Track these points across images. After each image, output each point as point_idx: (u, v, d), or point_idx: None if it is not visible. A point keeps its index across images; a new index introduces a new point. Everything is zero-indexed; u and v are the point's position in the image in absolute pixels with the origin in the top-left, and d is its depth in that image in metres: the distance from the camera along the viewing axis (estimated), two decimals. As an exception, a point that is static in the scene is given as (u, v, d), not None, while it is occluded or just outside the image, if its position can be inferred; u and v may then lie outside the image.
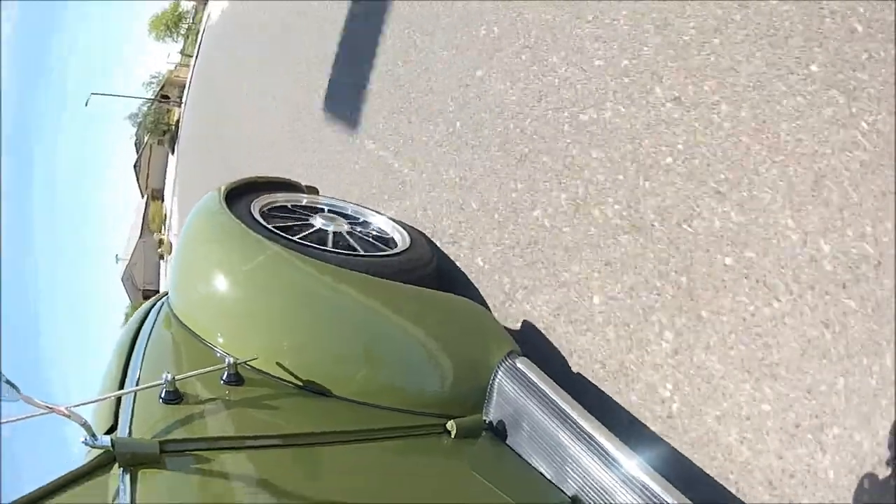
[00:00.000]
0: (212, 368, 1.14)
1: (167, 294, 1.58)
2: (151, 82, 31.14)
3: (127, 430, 0.99)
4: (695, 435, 1.26)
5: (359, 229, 1.77)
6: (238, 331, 1.30)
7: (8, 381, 0.78)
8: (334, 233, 1.66)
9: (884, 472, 1.00)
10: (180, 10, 31.48)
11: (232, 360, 1.15)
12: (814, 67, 1.18)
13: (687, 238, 1.33)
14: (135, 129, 31.19)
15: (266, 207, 1.69)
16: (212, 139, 9.63)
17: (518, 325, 1.65)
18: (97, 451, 0.90)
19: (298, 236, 1.54)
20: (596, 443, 1.12)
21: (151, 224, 27.40)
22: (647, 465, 1.07)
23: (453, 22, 2.27)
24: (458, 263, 1.85)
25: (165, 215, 24.61)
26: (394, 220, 1.89)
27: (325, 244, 1.57)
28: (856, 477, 1.02)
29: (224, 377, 1.15)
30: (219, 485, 0.91)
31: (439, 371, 1.32)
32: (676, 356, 1.31)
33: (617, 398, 1.42)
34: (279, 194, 1.81)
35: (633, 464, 1.07)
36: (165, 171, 26.96)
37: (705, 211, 1.30)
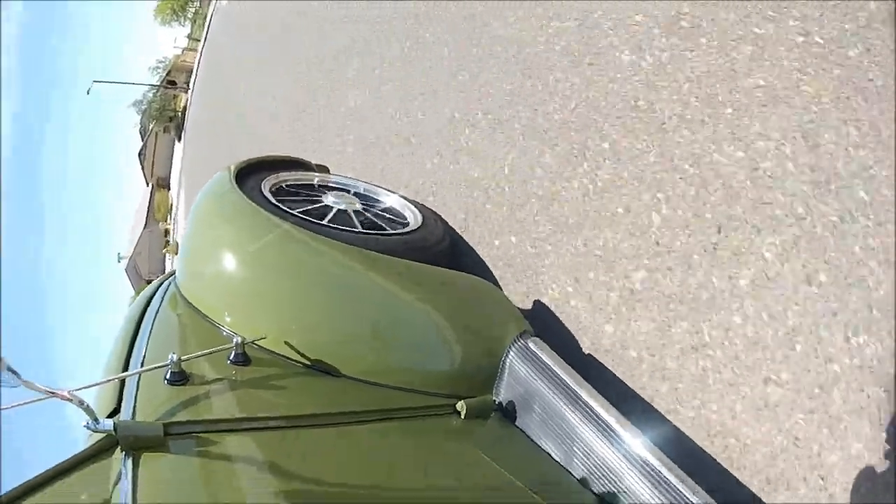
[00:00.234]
0: (218, 348, 1.15)
1: (173, 274, 1.60)
2: (157, 67, 31.32)
3: (130, 413, 1.00)
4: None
5: (371, 207, 1.79)
6: (247, 310, 1.31)
7: (9, 368, 0.78)
8: (346, 211, 1.68)
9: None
10: (188, -6, 31.64)
11: (239, 339, 1.16)
12: None
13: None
14: (139, 117, 31.52)
15: (276, 186, 1.71)
16: (219, 125, 9.71)
17: (530, 305, 1.67)
18: (100, 436, 0.90)
19: (309, 214, 1.57)
20: (607, 426, 1.14)
21: (157, 213, 27.67)
22: (658, 449, 1.08)
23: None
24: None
25: (171, 205, 24.88)
26: (406, 199, 1.91)
27: (336, 222, 1.60)
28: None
29: (231, 357, 1.16)
30: (224, 467, 0.92)
31: (449, 350, 1.33)
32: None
33: (630, 382, 1.44)
34: (290, 173, 1.83)
35: (644, 447, 1.08)
36: (171, 159, 27.23)
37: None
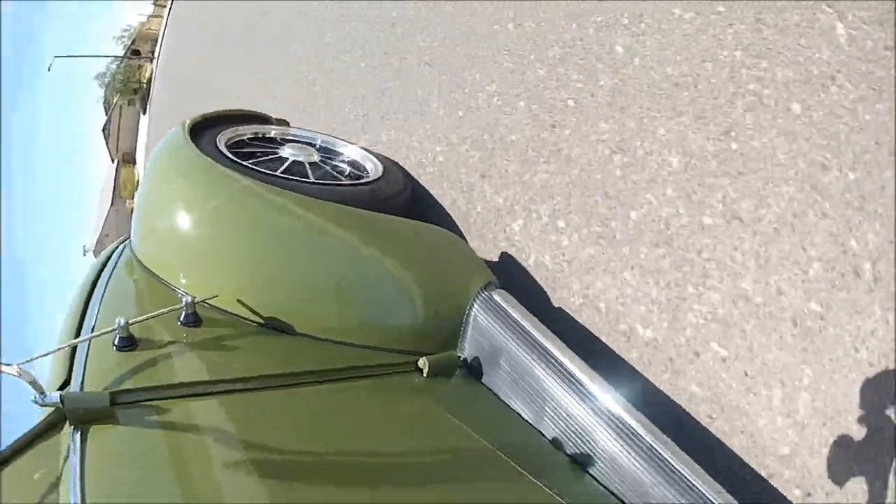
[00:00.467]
0: (168, 309, 1.12)
1: (128, 238, 1.56)
2: (122, 36, 30.55)
3: (79, 384, 0.97)
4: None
5: (330, 159, 1.78)
6: (201, 268, 1.28)
7: None
8: (304, 163, 1.67)
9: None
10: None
11: (189, 299, 1.13)
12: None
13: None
14: (103, 91, 30.83)
15: (233, 140, 1.69)
16: (189, 92, 9.49)
17: (497, 257, 1.64)
18: (50, 410, 0.88)
19: (266, 167, 1.55)
20: (578, 382, 1.12)
21: (123, 191, 27.19)
22: (631, 406, 1.06)
23: None
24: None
25: (138, 181, 24.45)
26: (366, 150, 1.89)
27: (293, 174, 1.58)
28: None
29: (181, 318, 1.13)
30: (176, 435, 0.89)
31: (410, 304, 1.30)
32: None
33: (602, 336, 1.42)
34: (247, 127, 1.81)
35: (617, 404, 1.07)
36: (137, 133, 26.69)
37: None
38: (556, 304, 1.50)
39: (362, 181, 1.63)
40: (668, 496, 0.98)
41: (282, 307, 1.24)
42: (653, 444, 1.01)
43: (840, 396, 1.04)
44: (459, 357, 1.29)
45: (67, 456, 0.81)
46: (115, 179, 27.28)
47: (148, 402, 0.92)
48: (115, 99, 28.15)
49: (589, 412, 1.09)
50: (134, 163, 27.45)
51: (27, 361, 0.88)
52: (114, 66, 29.40)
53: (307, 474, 0.88)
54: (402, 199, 1.60)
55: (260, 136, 1.84)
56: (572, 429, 1.11)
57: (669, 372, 1.30)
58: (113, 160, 28.82)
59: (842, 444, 1.04)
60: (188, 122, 1.60)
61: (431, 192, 1.91)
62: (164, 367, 1.03)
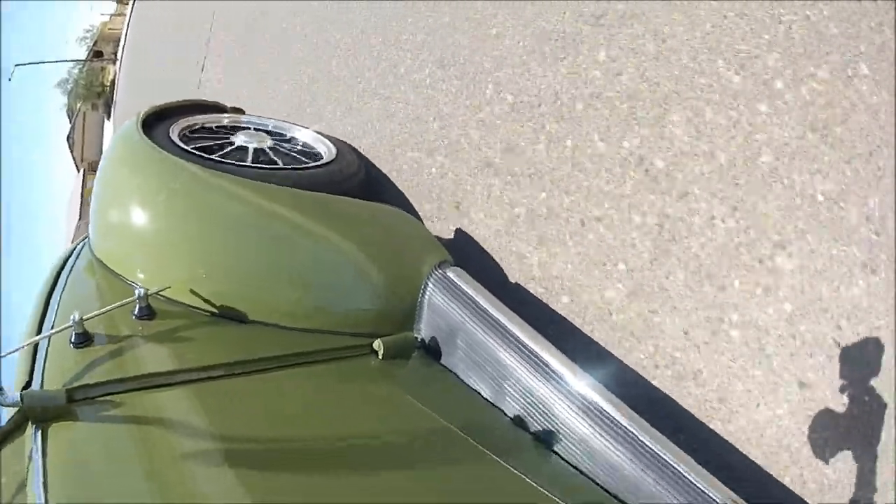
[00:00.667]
0: (121, 303, 1.14)
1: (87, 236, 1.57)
2: (85, 37, 30.18)
3: (39, 383, 1.00)
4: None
5: (283, 144, 1.81)
6: (155, 261, 1.30)
7: None
8: (257, 149, 1.69)
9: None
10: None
11: (142, 291, 1.15)
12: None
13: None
14: (66, 98, 30.40)
15: (186, 130, 1.72)
16: (152, 92, 9.41)
17: (452, 235, 1.66)
18: (14, 411, 0.91)
19: (218, 155, 1.57)
20: (537, 357, 1.12)
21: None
22: (592, 379, 1.07)
23: None
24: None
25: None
26: (319, 133, 1.91)
27: (246, 160, 1.61)
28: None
29: (135, 312, 1.16)
30: (131, 428, 0.91)
31: (364, 286, 1.31)
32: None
33: (564, 313, 1.44)
34: (200, 116, 1.85)
35: (577, 378, 1.07)
36: (102, 140, 26.36)
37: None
38: (513, 280, 1.53)
39: (315, 164, 1.65)
40: (633, 469, 0.99)
41: (235, 295, 1.26)
42: (616, 417, 1.02)
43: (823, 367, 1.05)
44: (417, 338, 1.30)
45: (31, 456, 0.83)
46: (81, 190, 26.90)
47: (104, 397, 0.95)
48: (79, 105, 27.80)
49: (549, 388, 1.09)
50: (100, 172, 27.05)
51: None
52: (76, 71, 29.03)
53: (267, 461, 0.90)
54: (357, 180, 1.62)
55: (213, 125, 1.87)
56: (533, 405, 1.11)
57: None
58: (79, 170, 28.42)
59: (826, 417, 1.05)
60: (141, 114, 1.62)
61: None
62: (118, 361, 1.05)
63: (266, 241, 1.31)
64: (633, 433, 1.00)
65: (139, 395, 0.98)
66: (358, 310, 1.32)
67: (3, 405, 0.89)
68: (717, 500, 0.91)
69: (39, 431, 0.86)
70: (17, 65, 25.79)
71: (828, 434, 1.04)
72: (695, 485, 0.93)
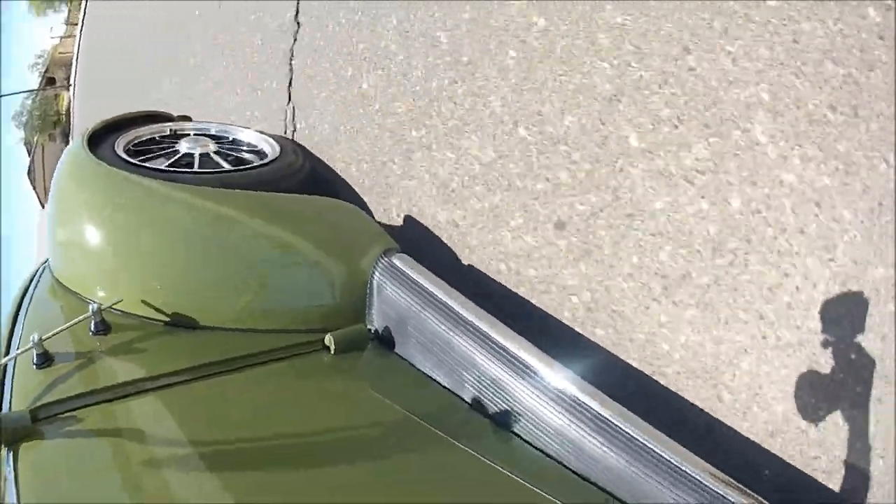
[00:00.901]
0: (77, 320, 1.19)
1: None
2: (37, 63, 29.87)
3: (8, 405, 1.05)
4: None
5: (226, 147, 1.86)
6: (111, 275, 1.35)
7: None
8: (199, 154, 1.75)
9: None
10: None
11: (95, 306, 1.20)
12: None
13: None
14: (22, 131, 30.06)
15: (131, 143, 1.78)
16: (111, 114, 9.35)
17: (401, 222, 1.70)
18: None
19: (169, 164, 1.64)
20: (490, 340, 1.14)
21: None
22: (549, 357, 1.09)
23: None
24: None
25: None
26: (262, 133, 1.97)
27: (190, 166, 1.66)
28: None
29: (92, 328, 1.21)
30: (94, 443, 0.97)
31: (312, 281, 1.35)
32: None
33: (517, 290, 1.47)
34: (146, 128, 1.91)
35: (534, 358, 1.09)
36: (64, 171, 25.95)
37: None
38: (465, 263, 1.57)
39: (259, 164, 1.70)
40: (594, 445, 1.00)
41: (187, 302, 1.31)
42: (575, 394, 1.03)
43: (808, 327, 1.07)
44: (370, 330, 1.32)
45: (6, 477, 0.88)
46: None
47: (66, 414, 1.00)
48: (36, 137, 27.51)
49: (505, 369, 1.11)
50: (64, 203, 26.70)
51: None
52: (29, 102, 28.71)
53: (228, 463, 0.94)
54: (301, 176, 1.69)
55: (157, 135, 1.92)
56: (491, 389, 1.13)
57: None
58: (42, 205, 28.15)
59: (812, 377, 1.07)
60: (87, 131, 1.69)
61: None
62: (78, 377, 1.11)
63: (209, 247, 1.36)
64: (593, 409, 1.01)
65: (99, 408, 1.03)
66: (309, 306, 1.35)
67: None
68: (681, 468, 0.93)
69: (11, 453, 0.91)
70: (-31, 99, 25.46)
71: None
72: (653, 450, 0.96)
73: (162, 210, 1.40)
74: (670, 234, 1.22)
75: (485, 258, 1.53)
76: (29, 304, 1.44)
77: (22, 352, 1.12)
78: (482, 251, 1.53)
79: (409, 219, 1.72)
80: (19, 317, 1.40)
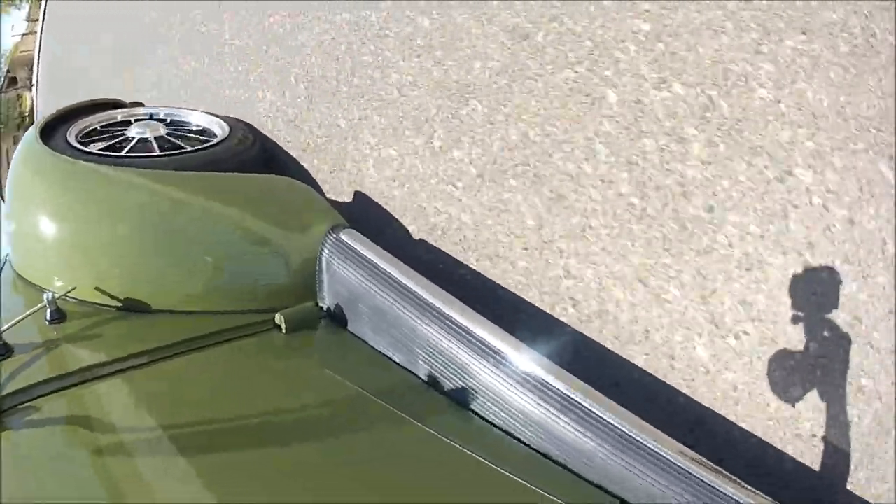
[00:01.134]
0: (32, 311, 1.22)
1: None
2: (-1, 65, 29.43)
3: None
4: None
5: (176, 129, 1.91)
6: (65, 264, 1.38)
7: None
8: (151, 138, 1.80)
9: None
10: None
11: (50, 295, 1.23)
12: None
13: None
14: (-15, 138, 29.55)
15: (83, 131, 1.83)
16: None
17: (350, 198, 1.73)
18: None
19: (113, 150, 1.68)
20: (441, 314, 1.14)
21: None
22: (501, 329, 1.10)
23: None
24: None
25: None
26: (211, 114, 2.02)
27: (141, 151, 1.71)
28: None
29: (48, 317, 1.24)
30: (55, 430, 1.01)
31: (261, 260, 1.38)
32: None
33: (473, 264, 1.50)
34: (98, 115, 1.96)
35: (485, 330, 1.10)
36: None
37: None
38: (417, 237, 1.61)
39: (208, 144, 1.75)
40: (548, 417, 1.01)
41: (139, 287, 1.34)
42: (531, 369, 1.04)
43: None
44: (321, 308, 1.34)
45: None
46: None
47: (28, 403, 1.04)
48: (0, 144, 27.07)
49: (458, 344, 1.12)
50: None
51: None
52: (-9, 106, 28.25)
53: (188, 444, 0.97)
54: (251, 154, 1.74)
55: (108, 121, 1.97)
56: (444, 365, 1.14)
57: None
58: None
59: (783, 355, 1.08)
60: (40, 121, 1.73)
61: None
62: (36, 367, 1.15)
63: (157, 230, 1.40)
64: (547, 382, 1.02)
65: (59, 396, 1.07)
66: (260, 285, 1.37)
67: None
68: (634, 437, 0.95)
69: None
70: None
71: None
72: (609, 423, 0.97)
73: (111, 196, 1.43)
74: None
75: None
76: None
77: None
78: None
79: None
80: None
